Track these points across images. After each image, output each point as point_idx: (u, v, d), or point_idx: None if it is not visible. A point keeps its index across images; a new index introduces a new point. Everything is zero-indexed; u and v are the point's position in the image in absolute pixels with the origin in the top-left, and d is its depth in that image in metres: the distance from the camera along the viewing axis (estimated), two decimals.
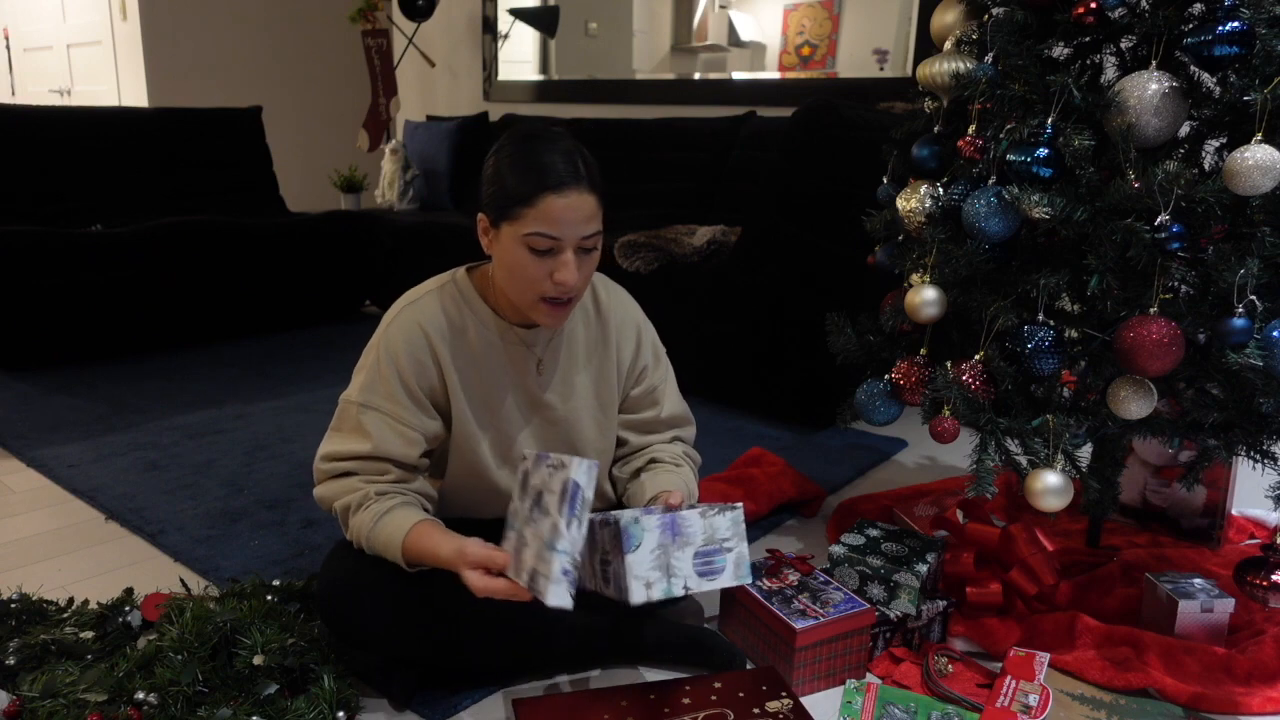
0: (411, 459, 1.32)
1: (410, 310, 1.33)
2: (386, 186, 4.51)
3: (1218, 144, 1.45)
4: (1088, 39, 1.51)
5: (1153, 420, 1.42)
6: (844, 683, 1.39)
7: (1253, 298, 1.28)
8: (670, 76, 4.12)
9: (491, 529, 1.45)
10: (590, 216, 1.22)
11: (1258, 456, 1.48)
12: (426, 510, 1.33)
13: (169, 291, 3.21)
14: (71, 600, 1.51)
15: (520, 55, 4.75)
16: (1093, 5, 1.36)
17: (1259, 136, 1.24)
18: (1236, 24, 1.26)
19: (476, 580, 1.18)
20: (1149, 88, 1.32)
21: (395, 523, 1.25)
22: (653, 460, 1.48)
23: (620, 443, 1.51)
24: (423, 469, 1.38)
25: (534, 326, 1.37)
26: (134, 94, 4.94)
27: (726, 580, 1.21)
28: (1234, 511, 1.91)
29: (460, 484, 1.40)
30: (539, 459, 1.22)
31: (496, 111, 4.76)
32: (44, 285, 2.92)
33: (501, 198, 1.22)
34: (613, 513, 1.22)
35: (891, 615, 1.45)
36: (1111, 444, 1.65)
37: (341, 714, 1.22)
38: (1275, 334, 1.27)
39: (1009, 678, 1.36)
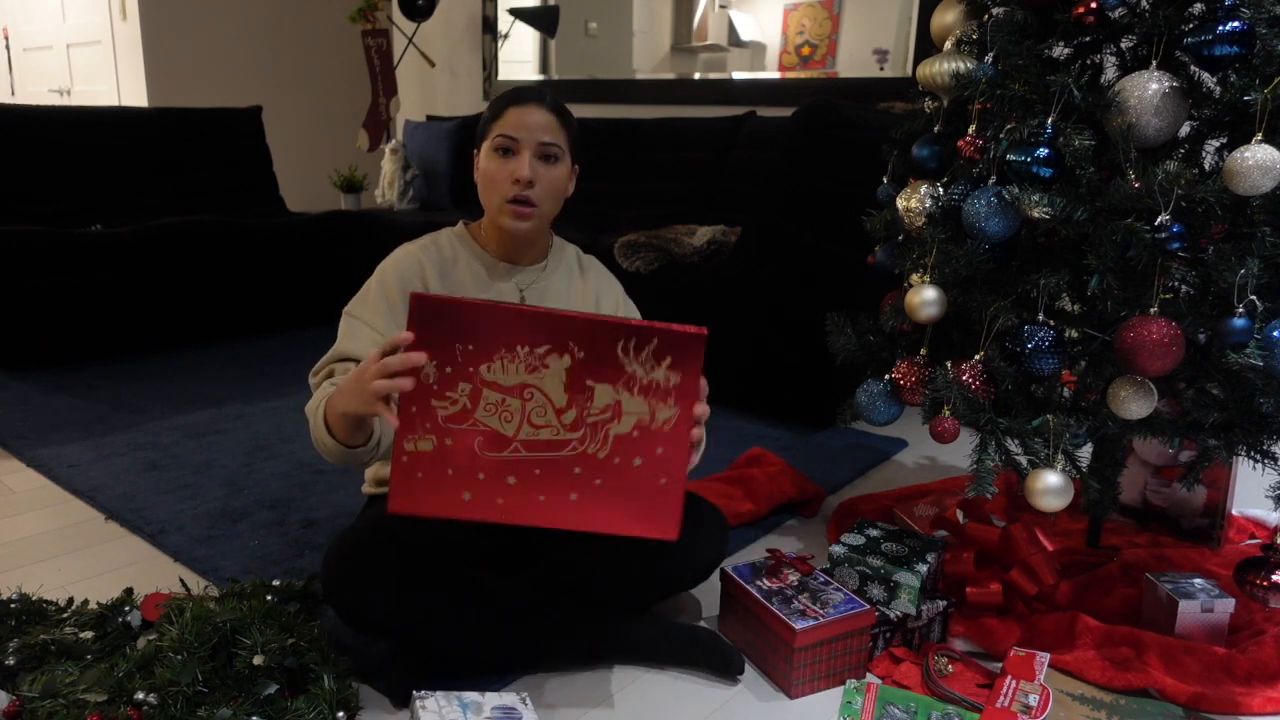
0: None
1: (406, 245, 1.51)
2: (386, 186, 4.51)
3: (1218, 144, 1.45)
4: (1088, 39, 1.51)
5: (1153, 420, 1.42)
6: (844, 683, 1.39)
7: (1253, 298, 1.28)
8: (670, 76, 4.11)
9: (483, 526, 1.45)
10: (547, 127, 1.39)
11: (1258, 456, 1.48)
12: None
13: (169, 291, 3.21)
14: (71, 600, 1.51)
15: (520, 55, 4.74)
16: (1093, 5, 1.36)
17: (1259, 136, 1.24)
18: (1236, 24, 1.26)
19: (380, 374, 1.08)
20: (1149, 88, 1.32)
21: (324, 391, 1.30)
22: None
23: None
24: None
25: (522, 266, 1.50)
26: (134, 94, 4.94)
27: None
28: (1234, 511, 1.91)
29: None
30: None
31: None
32: (44, 285, 2.92)
33: (481, 127, 1.44)
34: None
35: (891, 615, 1.45)
36: (1111, 444, 1.65)
37: (341, 714, 1.22)
38: (1275, 334, 1.27)
39: (1009, 678, 1.36)
